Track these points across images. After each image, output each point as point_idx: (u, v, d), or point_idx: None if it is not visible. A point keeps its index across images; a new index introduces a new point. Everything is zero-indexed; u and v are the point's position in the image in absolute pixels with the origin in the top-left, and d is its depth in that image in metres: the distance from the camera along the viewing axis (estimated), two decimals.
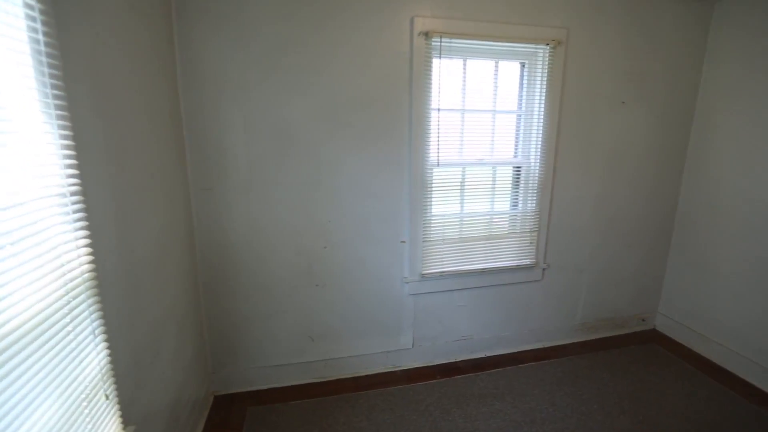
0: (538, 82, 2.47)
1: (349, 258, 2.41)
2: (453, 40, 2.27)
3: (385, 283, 2.51)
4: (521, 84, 2.54)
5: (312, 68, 2.10)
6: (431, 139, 2.35)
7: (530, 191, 2.63)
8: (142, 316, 1.45)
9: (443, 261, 2.55)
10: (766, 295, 2.50)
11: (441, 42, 2.25)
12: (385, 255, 2.46)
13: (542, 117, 2.50)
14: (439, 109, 2.33)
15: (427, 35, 2.22)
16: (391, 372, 2.65)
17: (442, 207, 2.49)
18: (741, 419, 2.28)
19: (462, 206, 2.52)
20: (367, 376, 2.60)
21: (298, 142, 2.18)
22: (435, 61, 2.28)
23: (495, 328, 2.82)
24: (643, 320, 3.22)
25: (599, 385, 2.56)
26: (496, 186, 2.58)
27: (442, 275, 2.55)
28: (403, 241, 2.47)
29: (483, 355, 2.84)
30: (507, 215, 2.66)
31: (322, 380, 2.53)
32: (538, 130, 2.53)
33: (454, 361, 2.78)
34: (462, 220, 2.54)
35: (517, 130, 2.57)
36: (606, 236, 2.91)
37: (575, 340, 3.05)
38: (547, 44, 2.41)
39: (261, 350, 2.38)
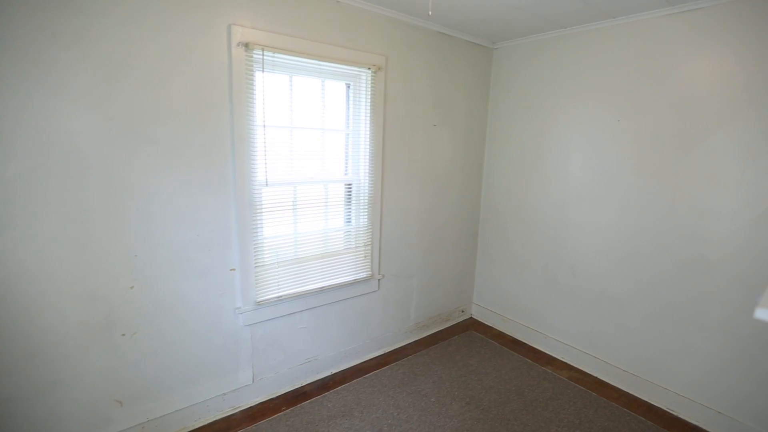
0: (363, 103, 2.59)
1: (166, 296, 2.04)
2: (277, 55, 2.18)
3: (214, 318, 2.22)
4: (347, 104, 2.62)
5: (98, 67, 1.70)
6: (258, 157, 2.19)
7: (362, 207, 2.73)
8: None
9: (280, 285, 2.41)
10: (540, 278, 3.19)
11: (263, 55, 2.13)
12: (213, 286, 2.18)
13: (368, 136, 2.63)
14: (265, 126, 2.19)
15: (247, 46, 2.06)
16: (230, 416, 2.36)
17: (275, 228, 2.35)
18: (534, 380, 2.83)
19: (296, 226, 2.43)
20: (200, 428, 2.25)
21: (84, 161, 1.73)
22: (258, 75, 2.14)
23: (339, 344, 2.82)
24: (463, 311, 3.73)
25: (434, 378, 2.83)
26: (329, 203, 2.59)
27: (280, 300, 2.41)
28: (233, 269, 2.23)
29: (329, 374, 2.80)
30: (341, 231, 2.70)
31: None
32: (365, 148, 2.65)
33: (300, 386, 2.66)
34: (297, 240, 2.45)
35: (346, 149, 2.64)
36: (430, 243, 3.25)
37: (411, 340, 3.31)
38: (369, 68, 2.54)
39: None
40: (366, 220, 2.74)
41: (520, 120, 3.19)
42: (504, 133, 3.33)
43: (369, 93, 2.57)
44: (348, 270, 2.72)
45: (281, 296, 2.42)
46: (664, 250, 2.43)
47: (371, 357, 3.04)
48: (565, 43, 2.81)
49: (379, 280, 2.93)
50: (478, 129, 3.39)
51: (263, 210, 2.28)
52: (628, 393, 2.69)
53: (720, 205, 2.20)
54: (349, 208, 2.71)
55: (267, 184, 2.26)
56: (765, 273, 2.05)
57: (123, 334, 1.95)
